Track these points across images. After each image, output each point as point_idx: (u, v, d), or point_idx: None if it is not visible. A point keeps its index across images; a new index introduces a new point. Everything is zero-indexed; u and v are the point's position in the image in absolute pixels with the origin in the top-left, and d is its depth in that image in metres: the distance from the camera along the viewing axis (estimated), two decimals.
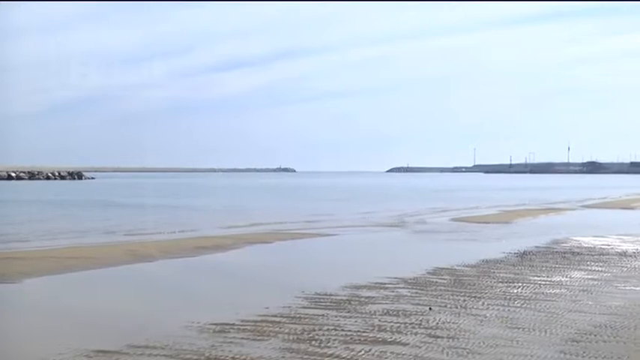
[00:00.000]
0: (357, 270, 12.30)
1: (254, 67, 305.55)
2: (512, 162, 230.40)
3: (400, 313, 8.37)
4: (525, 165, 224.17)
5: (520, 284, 10.45)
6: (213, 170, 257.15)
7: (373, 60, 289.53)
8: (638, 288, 10.17)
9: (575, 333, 7.36)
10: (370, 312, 8.43)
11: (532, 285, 10.38)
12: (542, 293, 9.72)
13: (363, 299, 9.27)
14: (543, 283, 10.61)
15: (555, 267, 12.38)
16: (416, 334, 7.31)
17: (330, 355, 6.48)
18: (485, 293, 9.71)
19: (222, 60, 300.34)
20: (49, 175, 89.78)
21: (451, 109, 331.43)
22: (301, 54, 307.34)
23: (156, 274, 12.23)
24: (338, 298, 9.36)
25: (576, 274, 11.46)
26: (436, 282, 10.68)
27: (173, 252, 14.86)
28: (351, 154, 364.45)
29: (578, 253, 14.39)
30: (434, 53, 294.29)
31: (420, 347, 6.78)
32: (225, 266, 13.26)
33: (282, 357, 6.43)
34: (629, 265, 12.56)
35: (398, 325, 7.73)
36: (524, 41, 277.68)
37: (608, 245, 16.05)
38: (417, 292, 9.78)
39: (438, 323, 7.83)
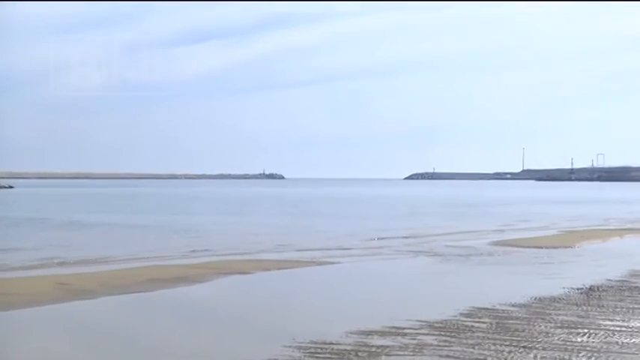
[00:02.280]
0: (366, 310, 12.24)
1: (231, 38, 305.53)
2: (574, 166, 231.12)
3: None
4: (592, 170, 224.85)
5: (586, 330, 10.40)
6: (175, 176, 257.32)
7: (390, 31, 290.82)
8: None
9: None
10: None
11: (602, 332, 10.34)
12: (616, 343, 9.67)
13: (374, 350, 9.22)
14: (618, 329, 10.57)
15: (634, 308, 12.34)
16: None
17: None
18: (539, 342, 9.66)
19: (187, 29, 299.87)
20: None
21: (492, 96, 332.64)
22: (296, 22, 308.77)
23: (95, 315, 12.15)
24: (341, 347, 9.31)
25: None
26: (472, 326, 10.64)
27: (119, 285, 14.79)
28: (359, 156, 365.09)
29: None
30: (469, 23, 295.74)
31: None
32: (190, 305, 13.19)
33: None
34: None
35: None
36: (588, 11, 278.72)
37: None
38: (446, 341, 9.73)
39: None
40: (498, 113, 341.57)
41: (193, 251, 22.00)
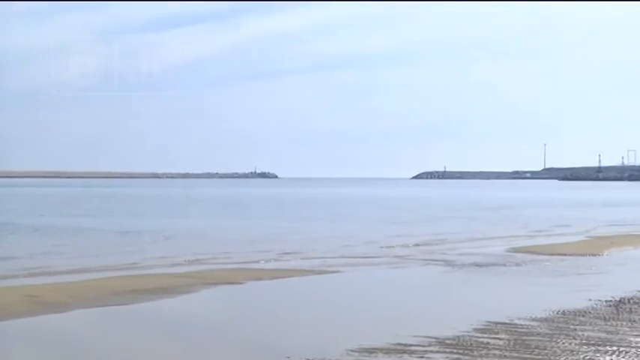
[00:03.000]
0: (369, 325, 12.25)
1: (214, 22, 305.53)
2: (602, 164, 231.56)
3: None
4: (622, 169, 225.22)
5: (615, 348, 10.41)
6: (156, 175, 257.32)
7: (394, 16, 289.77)
8: None
9: None
10: None
11: (633, 349, 10.34)
12: None
13: None
14: None
15: None
16: None
17: None
18: None
19: (166, 13, 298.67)
20: None
21: (509, 87, 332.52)
22: (288, 5, 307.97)
23: (66, 331, 12.13)
24: None
25: None
26: (487, 343, 10.64)
27: (95, 298, 14.79)
28: (361, 154, 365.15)
29: None
30: (482, 8, 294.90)
31: None
32: (172, 318, 13.18)
33: None
34: None
35: None
36: None
37: None
38: (458, 359, 9.73)
39: None
40: (516, 106, 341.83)
41: (182, 259, 22.00)
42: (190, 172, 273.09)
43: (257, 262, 21.57)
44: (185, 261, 21.59)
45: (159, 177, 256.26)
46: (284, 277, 18.36)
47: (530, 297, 15.28)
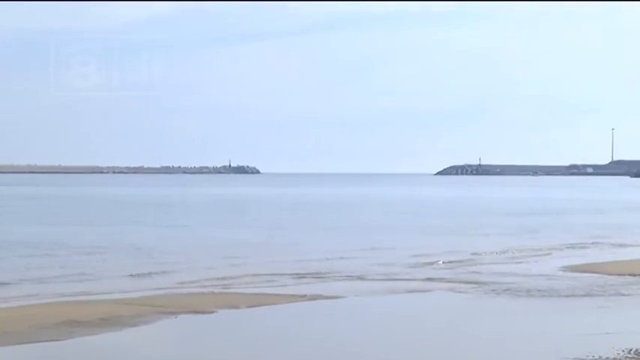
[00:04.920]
0: None
1: None
2: None
3: None
4: None
5: None
6: (98, 170, 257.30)
7: None
8: None
9: None
10: None
11: None
12: None
13: None
14: None
15: None
16: None
17: None
18: None
19: None
20: None
21: (565, 56, 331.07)
22: None
23: None
24: None
25: None
26: None
27: (15, 331, 14.78)
28: (368, 143, 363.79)
29: None
30: None
31: None
32: None
33: None
34: None
35: None
36: None
37: None
38: None
39: None
40: (575, 80, 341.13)
41: (136, 277, 22.07)
42: (144, 165, 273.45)
43: (236, 281, 21.60)
44: (135, 279, 21.64)
45: (103, 172, 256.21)
46: (266, 304, 18.27)
47: (593, 331, 15.27)
